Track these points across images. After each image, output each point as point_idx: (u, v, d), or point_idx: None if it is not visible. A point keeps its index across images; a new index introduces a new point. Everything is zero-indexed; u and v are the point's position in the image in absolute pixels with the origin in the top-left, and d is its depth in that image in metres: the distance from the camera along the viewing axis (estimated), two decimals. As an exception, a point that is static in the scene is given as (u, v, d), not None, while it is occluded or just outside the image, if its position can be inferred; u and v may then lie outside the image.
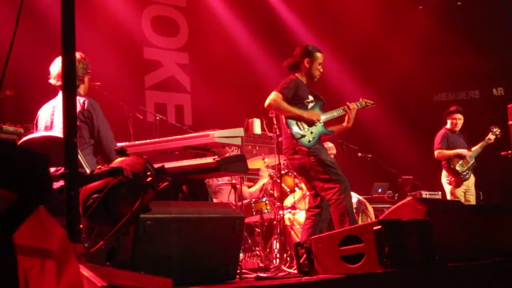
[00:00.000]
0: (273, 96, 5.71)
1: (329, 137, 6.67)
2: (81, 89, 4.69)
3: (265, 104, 5.76)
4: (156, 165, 3.10)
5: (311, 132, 5.75)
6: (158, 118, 7.67)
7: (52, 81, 4.66)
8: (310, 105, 5.88)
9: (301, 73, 5.96)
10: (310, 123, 5.79)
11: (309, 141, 5.71)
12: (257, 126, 8.95)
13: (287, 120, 5.76)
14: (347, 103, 6.03)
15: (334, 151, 9.30)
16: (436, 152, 8.65)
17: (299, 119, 5.75)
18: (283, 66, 6.12)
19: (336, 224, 5.55)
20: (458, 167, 8.51)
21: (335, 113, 6.01)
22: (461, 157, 8.54)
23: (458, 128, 8.73)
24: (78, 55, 4.64)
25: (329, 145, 9.27)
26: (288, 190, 7.96)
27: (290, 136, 5.74)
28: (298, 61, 5.97)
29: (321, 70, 6.01)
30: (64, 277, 2.08)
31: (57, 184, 4.30)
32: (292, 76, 5.94)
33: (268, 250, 7.35)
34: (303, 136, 5.71)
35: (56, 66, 4.64)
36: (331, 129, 5.99)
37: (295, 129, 5.73)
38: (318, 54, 5.97)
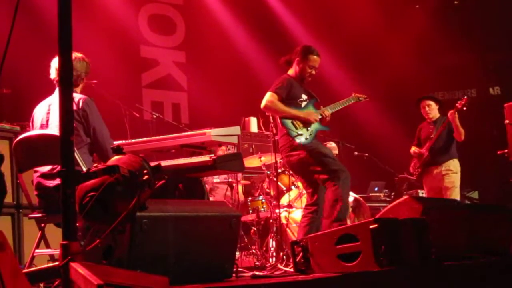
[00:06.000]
0: (268, 97, 5.70)
1: (326, 132, 6.67)
2: (79, 87, 4.68)
3: (261, 106, 5.74)
4: (152, 163, 3.10)
5: (307, 130, 5.75)
6: (154, 116, 7.66)
7: (53, 75, 4.64)
8: (303, 104, 5.86)
9: (293, 71, 5.95)
10: (306, 122, 5.79)
11: (306, 139, 5.70)
12: (253, 124, 8.95)
13: (282, 119, 5.75)
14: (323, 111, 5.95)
15: (336, 151, 9.29)
16: None
17: (295, 118, 5.76)
18: (280, 61, 6.11)
19: (327, 208, 5.53)
20: (411, 167, 8.22)
21: (329, 110, 5.99)
22: (413, 155, 8.17)
23: (431, 116, 8.09)
24: (79, 55, 4.64)
25: (332, 145, 9.28)
26: (284, 188, 7.97)
27: (287, 134, 5.74)
28: (292, 59, 5.96)
29: (313, 73, 5.94)
30: (7, 266, 2.11)
31: (54, 182, 4.32)
32: (285, 75, 5.94)
33: (264, 248, 7.36)
34: (300, 134, 5.70)
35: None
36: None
37: (291, 128, 5.72)
38: (312, 57, 5.89)
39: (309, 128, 5.76)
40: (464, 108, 7.75)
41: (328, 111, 5.92)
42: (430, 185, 8.05)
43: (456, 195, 7.79)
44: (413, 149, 8.15)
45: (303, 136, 5.70)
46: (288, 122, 5.73)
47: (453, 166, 7.91)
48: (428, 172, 8.03)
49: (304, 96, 5.89)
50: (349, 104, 6.33)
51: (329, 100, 6.26)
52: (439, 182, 7.91)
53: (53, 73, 4.62)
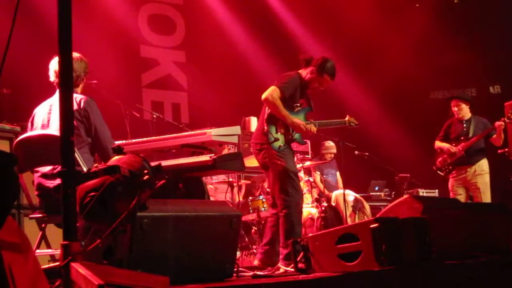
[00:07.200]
0: (271, 91, 5.57)
1: (327, 131, 6.62)
2: (80, 87, 4.67)
3: (262, 97, 5.60)
4: (153, 163, 3.10)
5: (285, 139, 5.66)
6: (155, 116, 7.66)
7: (52, 78, 4.63)
8: (297, 108, 5.76)
9: (305, 73, 5.83)
10: (288, 129, 5.68)
11: (280, 147, 5.59)
12: (253, 124, 8.95)
13: (269, 118, 5.66)
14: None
15: (334, 151, 9.32)
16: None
17: (283, 121, 5.63)
18: (299, 56, 6.01)
19: (282, 236, 5.48)
20: (438, 162, 8.12)
21: (316, 126, 5.89)
22: (444, 151, 8.04)
23: (461, 115, 7.97)
24: (77, 54, 4.63)
25: (330, 144, 9.28)
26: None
27: (264, 133, 5.65)
28: (309, 63, 5.84)
29: (320, 88, 5.87)
30: (28, 266, 2.11)
31: (54, 183, 4.31)
32: (295, 73, 5.82)
33: (265, 248, 7.34)
34: (276, 139, 5.60)
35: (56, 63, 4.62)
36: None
37: (271, 130, 5.62)
38: (326, 77, 5.81)
39: (287, 137, 5.69)
40: None
41: (314, 128, 5.77)
42: (460, 183, 7.95)
43: (488, 198, 7.77)
44: (447, 145, 7.98)
45: (278, 142, 5.60)
46: (272, 124, 5.65)
47: (485, 166, 7.87)
48: (459, 170, 7.95)
49: (301, 102, 5.83)
50: (339, 126, 6.32)
51: (327, 98, 6.23)
52: (471, 180, 7.86)
53: (52, 76, 4.62)
